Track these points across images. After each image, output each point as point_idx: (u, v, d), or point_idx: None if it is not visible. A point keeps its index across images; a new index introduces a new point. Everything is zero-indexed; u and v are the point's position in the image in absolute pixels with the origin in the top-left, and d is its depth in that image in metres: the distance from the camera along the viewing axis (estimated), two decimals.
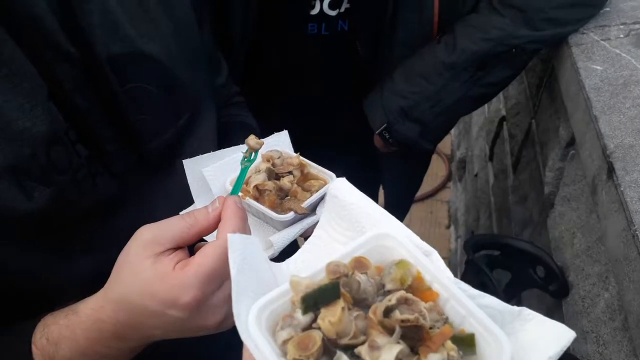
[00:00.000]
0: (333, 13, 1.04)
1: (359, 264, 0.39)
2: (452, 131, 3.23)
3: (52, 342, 0.51)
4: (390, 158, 1.23)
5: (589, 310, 0.89)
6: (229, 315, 0.51)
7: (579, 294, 0.93)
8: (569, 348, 0.95)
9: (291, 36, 1.08)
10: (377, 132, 1.09)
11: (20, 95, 0.50)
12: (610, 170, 0.76)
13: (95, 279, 0.52)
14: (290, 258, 0.49)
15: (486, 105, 2.03)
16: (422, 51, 1.04)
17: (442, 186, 2.93)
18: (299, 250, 0.49)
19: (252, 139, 0.61)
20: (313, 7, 1.02)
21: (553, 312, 1.04)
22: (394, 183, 1.37)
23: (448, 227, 2.67)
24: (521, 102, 1.53)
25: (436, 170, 3.04)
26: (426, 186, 2.92)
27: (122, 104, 0.58)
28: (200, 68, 0.73)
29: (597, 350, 0.84)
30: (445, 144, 3.22)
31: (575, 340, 0.92)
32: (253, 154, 0.61)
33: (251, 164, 0.61)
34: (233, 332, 0.53)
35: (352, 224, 0.46)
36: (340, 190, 0.48)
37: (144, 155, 0.63)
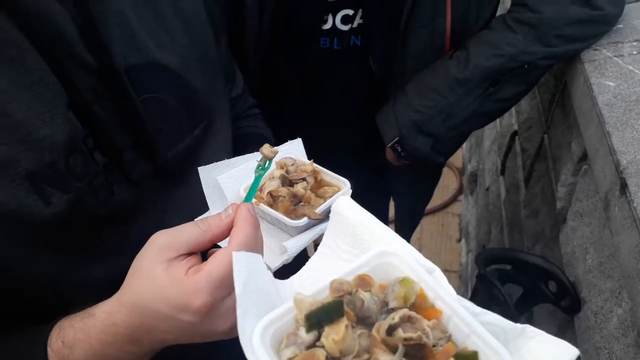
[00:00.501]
0: (345, 28, 1.05)
1: (363, 282, 0.39)
2: (464, 145, 3.23)
3: (67, 344, 0.51)
4: (401, 171, 1.24)
5: (602, 326, 0.88)
6: None
7: (592, 309, 0.93)
8: None
9: (303, 50, 1.09)
10: (389, 145, 1.10)
11: (41, 104, 0.51)
12: (623, 186, 0.76)
13: (109, 284, 0.53)
14: (294, 275, 0.50)
15: (498, 120, 2.03)
16: (435, 66, 1.05)
17: (453, 199, 2.92)
18: (303, 268, 0.49)
19: (266, 148, 0.62)
20: (326, 22, 1.04)
21: (565, 327, 1.03)
22: (405, 195, 1.38)
23: (459, 240, 2.66)
24: (533, 117, 1.53)
25: (447, 183, 3.04)
26: (437, 199, 2.92)
27: (139, 113, 0.59)
28: (216, 79, 0.74)
29: None
30: (457, 157, 3.21)
31: (588, 356, 0.92)
32: (267, 162, 0.62)
33: (265, 172, 0.62)
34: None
35: (355, 242, 0.47)
36: (344, 208, 0.48)
37: (160, 164, 0.64)
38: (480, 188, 2.36)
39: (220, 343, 0.53)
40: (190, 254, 0.51)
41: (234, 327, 0.51)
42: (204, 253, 0.54)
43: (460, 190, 2.96)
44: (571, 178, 1.12)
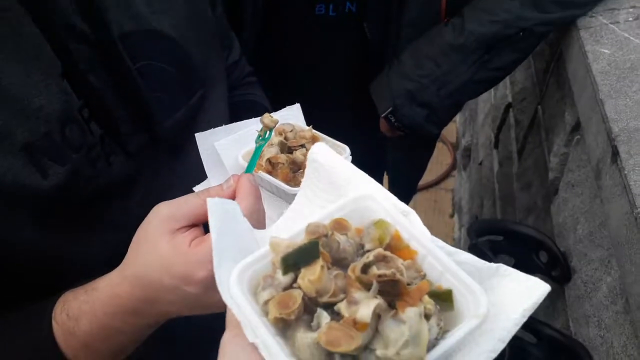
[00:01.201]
0: None
1: (339, 225, 0.39)
2: (458, 119, 3.21)
3: (73, 317, 0.51)
4: (395, 143, 1.22)
5: (591, 294, 0.89)
6: None
7: (582, 278, 0.93)
8: (571, 332, 0.95)
9: (299, 17, 1.07)
10: (382, 115, 1.09)
11: (35, 74, 0.50)
12: (615, 154, 0.75)
13: (110, 257, 0.53)
14: (271, 225, 0.50)
15: (492, 92, 2.01)
16: (430, 34, 1.03)
17: (447, 175, 2.92)
18: (281, 217, 0.49)
19: (266, 117, 0.60)
20: None
21: (556, 297, 1.04)
22: (399, 168, 1.37)
23: (452, 216, 2.67)
24: (528, 88, 1.52)
25: (441, 158, 3.03)
26: (431, 175, 2.91)
27: (135, 82, 0.58)
28: (212, 46, 0.73)
29: (599, 334, 0.84)
30: (451, 132, 3.20)
31: (577, 325, 0.93)
32: (268, 132, 0.61)
33: (266, 142, 0.61)
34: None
35: (332, 187, 0.46)
36: (319, 154, 0.47)
37: (157, 134, 0.63)
38: (474, 162, 2.36)
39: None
40: (192, 225, 0.51)
41: None
42: (205, 224, 0.54)
43: (453, 166, 2.96)
44: (564, 148, 1.11)
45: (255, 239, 0.43)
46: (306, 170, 0.49)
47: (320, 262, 0.35)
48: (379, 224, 0.39)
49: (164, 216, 0.50)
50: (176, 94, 0.65)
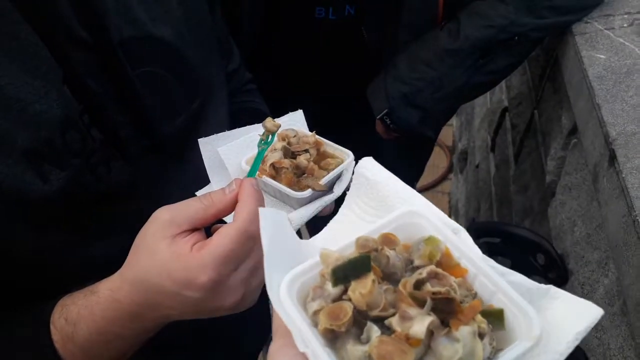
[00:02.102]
0: None
1: (388, 240, 0.39)
2: (454, 123, 3.23)
3: (71, 322, 0.51)
4: (391, 146, 1.23)
5: (588, 296, 0.90)
6: (246, 296, 0.51)
7: (579, 280, 0.94)
8: None
9: (298, 20, 1.08)
10: (378, 117, 1.10)
11: (36, 79, 0.50)
12: (612, 157, 0.76)
13: (109, 262, 0.53)
14: (316, 235, 0.50)
15: (488, 96, 2.03)
16: (426, 37, 1.04)
17: (443, 178, 2.93)
18: (325, 228, 0.49)
19: (269, 121, 0.61)
20: None
21: None
22: (396, 171, 1.38)
23: None
24: (524, 93, 1.53)
25: (437, 162, 3.05)
26: (427, 178, 2.93)
27: (135, 88, 0.58)
28: (212, 53, 0.73)
29: (596, 335, 0.85)
30: (447, 136, 3.22)
31: None
32: (270, 136, 0.61)
33: (268, 146, 0.61)
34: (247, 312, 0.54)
35: (380, 203, 0.46)
36: (368, 169, 0.47)
37: (157, 140, 0.63)
38: (470, 166, 2.37)
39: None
40: (194, 229, 0.51)
41: (241, 302, 0.51)
42: (207, 228, 0.54)
43: (450, 169, 2.97)
44: (560, 152, 1.12)
45: (302, 250, 0.44)
46: (352, 183, 0.48)
47: (371, 276, 0.35)
48: (430, 240, 0.38)
49: (164, 221, 0.49)
50: (176, 100, 0.65)
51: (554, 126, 1.19)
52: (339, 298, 0.35)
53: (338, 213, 0.50)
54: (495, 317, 0.35)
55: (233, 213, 0.51)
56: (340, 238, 0.41)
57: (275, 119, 0.63)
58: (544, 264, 1.02)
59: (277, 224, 0.41)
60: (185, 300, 0.48)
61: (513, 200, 1.48)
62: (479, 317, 0.34)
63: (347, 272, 0.36)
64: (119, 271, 0.51)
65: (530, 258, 1.04)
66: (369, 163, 0.48)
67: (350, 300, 0.35)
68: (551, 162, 1.16)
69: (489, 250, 1.07)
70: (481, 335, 0.33)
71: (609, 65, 0.92)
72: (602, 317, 0.85)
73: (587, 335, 0.87)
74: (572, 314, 0.35)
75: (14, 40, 0.49)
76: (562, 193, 1.10)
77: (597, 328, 0.85)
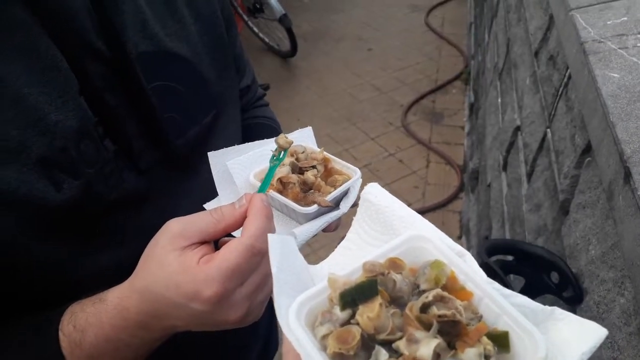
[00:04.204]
0: None
1: (394, 264, 0.40)
2: (465, 142, 3.23)
3: (79, 329, 0.52)
4: None
5: (604, 315, 0.88)
6: (251, 311, 0.52)
7: (594, 299, 0.93)
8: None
9: None
10: None
11: (53, 90, 0.51)
12: (627, 175, 0.76)
13: (117, 271, 0.53)
14: (323, 261, 0.50)
15: (500, 115, 2.03)
16: None
17: (454, 197, 2.93)
18: (332, 254, 0.50)
19: (281, 138, 0.62)
20: None
21: None
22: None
23: (460, 237, 2.66)
24: (536, 111, 1.53)
25: (448, 181, 3.04)
26: (438, 196, 2.92)
27: (149, 101, 0.59)
28: (226, 69, 0.74)
29: (612, 355, 0.84)
30: (458, 155, 3.22)
31: None
32: (282, 152, 0.62)
33: (280, 162, 0.62)
34: (250, 328, 0.54)
35: (385, 228, 0.47)
36: (374, 194, 0.48)
37: (170, 152, 0.64)
38: (482, 185, 2.36)
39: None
40: (203, 242, 0.51)
41: (246, 317, 0.52)
42: (215, 241, 0.54)
43: (460, 188, 2.96)
44: (574, 170, 1.12)
45: (310, 274, 0.45)
46: (358, 208, 0.49)
47: (379, 300, 0.36)
48: (435, 264, 0.39)
49: (174, 232, 0.50)
50: (189, 114, 0.66)
51: (567, 145, 1.19)
52: (347, 322, 0.36)
53: (345, 238, 0.51)
54: (501, 340, 0.36)
55: (241, 228, 0.52)
56: (347, 263, 0.42)
57: (286, 135, 0.64)
58: (559, 283, 1.01)
59: (285, 249, 0.42)
60: (191, 312, 0.49)
61: (526, 219, 1.47)
62: (485, 340, 0.35)
63: (354, 296, 0.36)
64: (128, 280, 0.52)
65: (544, 276, 1.03)
66: (374, 189, 0.49)
67: (358, 324, 0.35)
68: (564, 181, 1.15)
69: (502, 268, 1.06)
70: (487, 357, 0.34)
71: (622, 84, 0.92)
72: (619, 337, 0.84)
73: (603, 356, 0.86)
74: (577, 335, 0.36)
75: (34, 51, 0.50)
76: (576, 211, 1.10)
77: (614, 348, 0.84)
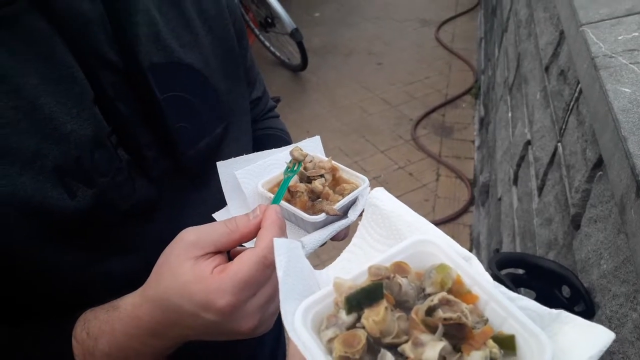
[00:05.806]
0: None
1: (399, 268, 0.40)
2: (475, 156, 3.23)
3: (92, 336, 0.52)
4: None
5: (616, 330, 0.88)
6: (262, 322, 0.52)
7: (606, 314, 0.92)
8: None
9: None
10: None
11: (68, 99, 0.52)
12: (639, 189, 0.76)
13: (128, 279, 0.54)
14: (329, 265, 0.51)
15: (511, 129, 2.04)
16: None
17: (464, 210, 2.92)
18: (338, 258, 0.50)
19: (296, 150, 0.62)
20: None
21: None
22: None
23: (470, 251, 2.65)
24: (547, 126, 1.54)
25: (458, 194, 3.04)
26: (448, 210, 2.92)
27: (162, 111, 0.60)
28: (237, 78, 0.75)
29: None
30: (468, 169, 3.21)
31: None
32: (296, 164, 0.63)
33: (294, 174, 0.62)
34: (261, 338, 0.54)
35: (391, 232, 0.47)
36: (380, 199, 0.48)
37: (181, 162, 0.65)
38: (492, 199, 2.35)
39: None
40: (217, 252, 0.52)
41: (258, 327, 0.52)
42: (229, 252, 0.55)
43: (471, 202, 2.95)
44: (585, 185, 1.12)
45: (315, 279, 0.45)
46: (364, 213, 0.50)
47: (384, 304, 0.36)
48: (441, 268, 0.40)
49: (189, 242, 0.51)
50: (200, 125, 0.67)
51: (578, 159, 1.19)
52: (352, 326, 0.37)
53: (350, 243, 0.51)
54: (507, 343, 0.36)
55: (255, 238, 0.52)
56: (353, 267, 0.42)
57: (294, 144, 0.64)
58: (570, 297, 1.00)
59: (291, 254, 0.42)
60: (203, 321, 0.49)
61: (536, 233, 1.46)
62: (491, 343, 0.35)
63: (360, 300, 0.37)
64: (141, 288, 0.52)
65: (555, 290, 1.02)
66: (380, 193, 0.49)
67: (363, 327, 0.36)
68: (576, 195, 1.15)
69: (512, 281, 1.06)
70: None
71: (634, 98, 0.92)
72: (631, 352, 0.84)
73: None
74: (583, 338, 0.36)
75: (50, 60, 0.51)
76: (587, 225, 1.09)
77: None
